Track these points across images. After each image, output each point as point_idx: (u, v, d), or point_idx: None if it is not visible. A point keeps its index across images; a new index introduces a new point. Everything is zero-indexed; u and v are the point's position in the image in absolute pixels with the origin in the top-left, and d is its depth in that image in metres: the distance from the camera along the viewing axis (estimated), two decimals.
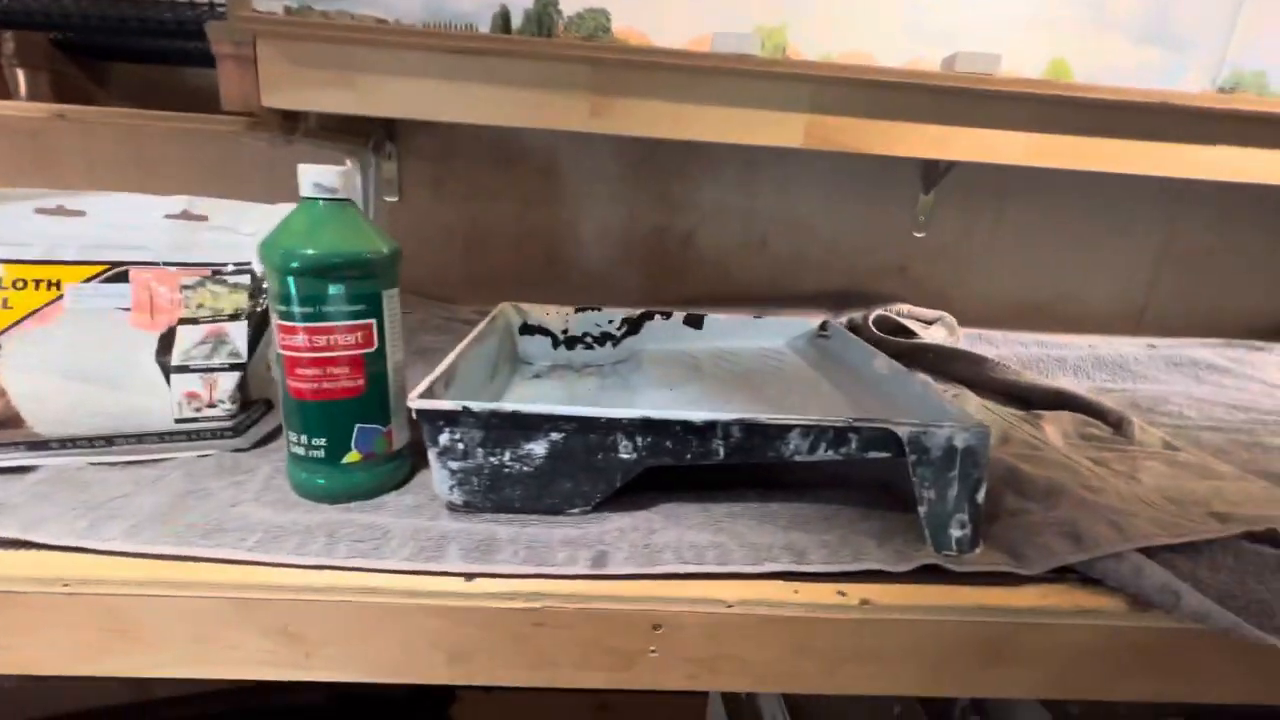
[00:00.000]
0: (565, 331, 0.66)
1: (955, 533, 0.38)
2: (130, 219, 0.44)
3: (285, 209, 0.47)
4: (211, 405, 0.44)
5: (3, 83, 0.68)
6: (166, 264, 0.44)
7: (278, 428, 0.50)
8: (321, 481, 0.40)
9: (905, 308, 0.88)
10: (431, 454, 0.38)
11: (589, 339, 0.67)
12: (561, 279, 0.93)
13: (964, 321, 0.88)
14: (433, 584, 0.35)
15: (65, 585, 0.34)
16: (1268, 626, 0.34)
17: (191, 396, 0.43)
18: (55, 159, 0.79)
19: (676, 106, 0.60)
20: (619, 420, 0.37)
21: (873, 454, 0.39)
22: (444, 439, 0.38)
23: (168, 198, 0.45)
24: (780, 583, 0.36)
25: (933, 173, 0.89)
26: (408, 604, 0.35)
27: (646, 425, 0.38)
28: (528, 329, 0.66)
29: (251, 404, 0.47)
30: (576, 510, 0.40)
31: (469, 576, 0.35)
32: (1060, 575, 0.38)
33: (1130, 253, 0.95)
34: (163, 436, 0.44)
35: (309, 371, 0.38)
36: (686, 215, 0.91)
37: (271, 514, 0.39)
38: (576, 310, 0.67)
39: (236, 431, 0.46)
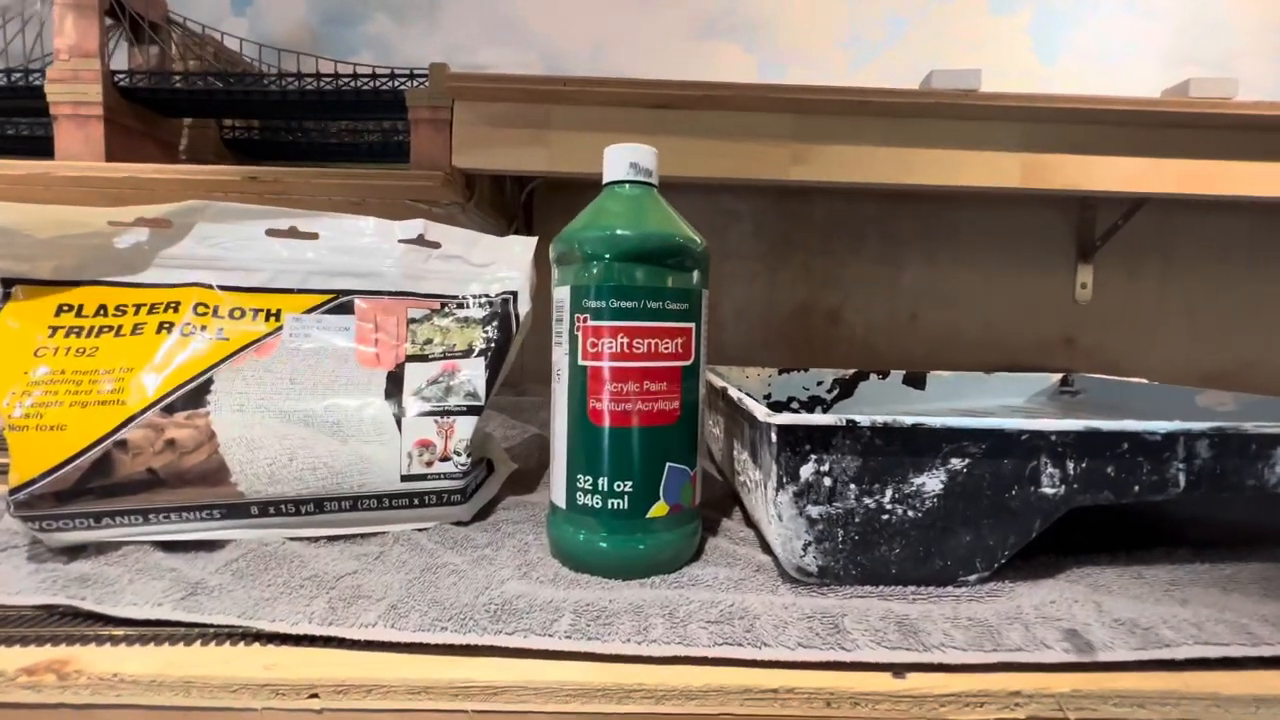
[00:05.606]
0: (768, 396, 0.58)
1: None
2: (364, 243, 0.38)
3: (515, 241, 0.42)
4: (445, 458, 0.34)
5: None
6: (396, 293, 0.38)
7: (496, 498, 0.40)
8: (604, 545, 0.30)
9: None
10: (783, 498, 0.28)
11: (795, 404, 0.58)
12: None
13: None
14: (849, 682, 0.23)
15: (313, 695, 0.22)
16: None
17: (424, 445, 0.34)
18: None
19: (886, 150, 0.57)
20: (1047, 435, 0.28)
21: None
22: (807, 471, 0.28)
23: (405, 221, 0.39)
24: None
25: (1089, 238, 0.85)
26: (822, 715, 0.23)
27: (1084, 440, 0.28)
28: None
29: (476, 464, 0.37)
30: (974, 577, 0.29)
31: (897, 670, 0.23)
32: None
33: None
34: (381, 501, 0.34)
35: (622, 388, 0.29)
36: (830, 291, 0.86)
37: (557, 591, 0.28)
38: (780, 372, 0.58)
39: (463, 496, 0.36)
